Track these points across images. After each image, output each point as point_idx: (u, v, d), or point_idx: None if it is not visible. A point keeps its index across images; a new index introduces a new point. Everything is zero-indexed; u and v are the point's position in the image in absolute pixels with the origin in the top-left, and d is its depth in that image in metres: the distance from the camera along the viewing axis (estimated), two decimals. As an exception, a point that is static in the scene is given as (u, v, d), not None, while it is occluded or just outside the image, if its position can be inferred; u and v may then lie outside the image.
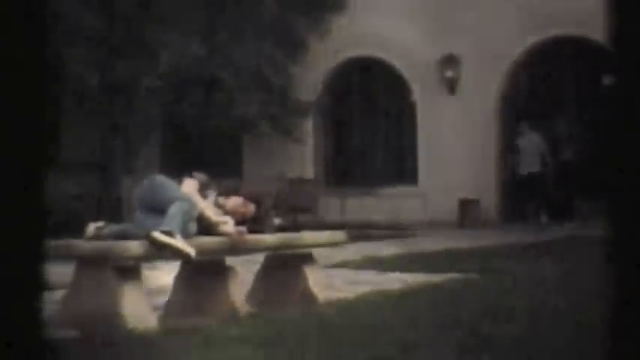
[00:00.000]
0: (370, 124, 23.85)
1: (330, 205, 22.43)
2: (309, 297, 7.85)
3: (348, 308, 7.42)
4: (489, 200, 21.45)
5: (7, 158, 1.59)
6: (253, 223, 7.48)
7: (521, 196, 20.50)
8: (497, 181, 21.76)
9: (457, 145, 21.88)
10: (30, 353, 1.63)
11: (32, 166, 1.62)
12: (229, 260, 7.46)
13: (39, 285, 1.64)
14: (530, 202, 20.56)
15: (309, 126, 23.29)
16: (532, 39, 21.31)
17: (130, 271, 6.41)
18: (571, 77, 21.40)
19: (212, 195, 7.41)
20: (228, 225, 7.14)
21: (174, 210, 6.61)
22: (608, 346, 1.69)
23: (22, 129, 1.61)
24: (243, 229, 7.20)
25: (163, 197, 6.77)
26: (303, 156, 23.39)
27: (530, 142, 20.38)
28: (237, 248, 7.19)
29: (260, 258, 8.16)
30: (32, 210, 1.62)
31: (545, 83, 21.82)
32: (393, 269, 10.97)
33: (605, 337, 1.70)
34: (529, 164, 20.21)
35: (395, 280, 9.73)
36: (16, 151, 1.60)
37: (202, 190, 7.27)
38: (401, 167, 23.28)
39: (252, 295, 7.84)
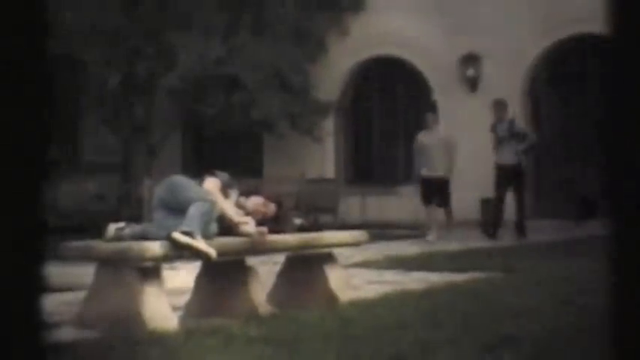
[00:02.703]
0: (390, 123, 23.80)
1: (351, 205, 22.38)
2: (330, 297, 7.82)
3: (369, 308, 7.39)
4: (514, 199, 21.32)
5: (7, 158, 1.57)
6: (274, 223, 7.46)
7: (499, 187, 16.82)
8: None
9: (478, 144, 21.78)
10: (30, 355, 1.61)
11: (32, 165, 1.60)
12: (250, 260, 7.44)
13: (39, 286, 1.63)
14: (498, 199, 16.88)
15: (329, 125, 23.27)
16: (554, 36, 21.21)
17: (150, 271, 6.41)
18: (593, 75, 21.28)
19: (234, 195, 7.39)
20: (249, 225, 7.12)
21: (194, 210, 6.59)
22: (615, 344, 1.67)
23: (21, 128, 1.60)
24: (264, 229, 7.18)
25: (183, 197, 6.75)
26: (324, 156, 23.37)
27: (506, 130, 16.83)
28: (258, 248, 7.17)
29: (280, 258, 8.15)
30: (32, 210, 1.60)
31: (567, 81, 21.72)
32: (414, 269, 10.94)
33: (610, 335, 1.68)
34: (504, 154, 16.74)
35: (416, 280, 9.69)
36: (15, 151, 1.58)
37: (224, 190, 7.25)
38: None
39: (274, 295, 7.82)
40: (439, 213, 17.25)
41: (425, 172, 17.00)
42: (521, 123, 17.22)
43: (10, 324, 1.58)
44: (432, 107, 19.63)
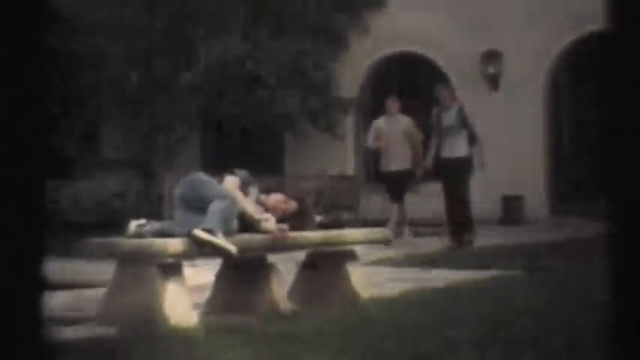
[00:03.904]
0: (411, 119, 23.74)
1: (372, 202, 22.33)
2: (351, 294, 7.80)
3: (390, 306, 7.36)
4: (537, 196, 21.27)
5: (7, 156, 1.55)
6: (295, 221, 7.44)
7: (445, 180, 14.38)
8: (546, 177, 21.58)
9: (500, 141, 21.71)
10: (31, 354, 1.59)
11: (32, 164, 1.58)
12: (270, 258, 7.43)
13: (40, 285, 1.61)
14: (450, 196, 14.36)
15: (350, 122, 23.22)
16: (576, 33, 21.12)
17: (171, 268, 6.39)
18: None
19: (254, 192, 7.38)
20: (270, 222, 7.10)
21: (215, 208, 6.58)
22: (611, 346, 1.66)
23: (21, 127, 1.57)
24: (284, 226, 7.16)
25: (204, 195, 6.74)
26: (344, 153, 23.33)
27: (454, 118, 14.30)
28: (278, 246, 7.15)
29: (301, 255, 8.12)
30: (33, 208, 1.58)
31: (589, 78, 21.61)
32: (435, 266, 10.90)
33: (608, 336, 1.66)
34: (452, 146, 14.18)
35: (437, 278, 9.64)
36: (16, 150, 1.56)
37: (244, 187, 7.24)
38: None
39: (294, 293, 7.80)
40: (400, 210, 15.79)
41: (382, 166, 15.42)
42: (469, 111, 14.64)
43: (10, 322, 1.56)
44: (399, 92, 17.21)
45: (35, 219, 1.58)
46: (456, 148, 14.05)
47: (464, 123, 14.11)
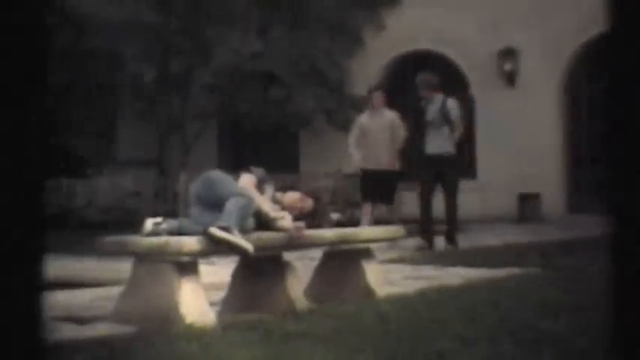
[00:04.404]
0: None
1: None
2: (367, 292, 7.79)
3: (406, 303, 7.33)
4: (553, 194, 21.22)
5: (6, 154, 1.54)
6: (311, 219, 7.43)
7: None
8: (563, 175, 21.52)
9: (516, 139, 21.69)
10: (29, 354, 1.58)
11: (32, 161, 1.56)
12: (286, 255, 7.42)
13: (38, 285, 1.59)
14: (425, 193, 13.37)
15: (365, 120, 23.20)
16: (593, 30, 21.04)
17: (187, 266, 6.39)
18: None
19: (270, 190, 7.37)
20: (286, 220, 7.09)
21: (231, 205, 6.56)
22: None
23: (20, 125, 1.56)
24: (301, 224, 7.15)
25: (220, 192, 6.73)
26: (360, 151, 23.30)
27: (438, 111, 13.34)
28: (294, 244, 7.14)
29: (317, 253, 8.11)
30: (31, 207, 1.57)
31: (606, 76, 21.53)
32: (451, 264, 10.87)
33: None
34: (435, 141, 13.15)
35: (453, 275, 9.63)
36: (14, 148, 1.55)
37: (260, 185, 7.23)
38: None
39: (311, 291, 7.79)
40: (382, 211, 14.61)
41: (364, 163, 13.87)
42: (453, 103, 13.47)
43: (8, 323, 1.55)
44: (379, 87, 16.11)
45: (34, 217, 1.57)
46: (443, 143, 13.12)
47: (446, 117, 13.17)
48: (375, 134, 13.83)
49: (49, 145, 1.59)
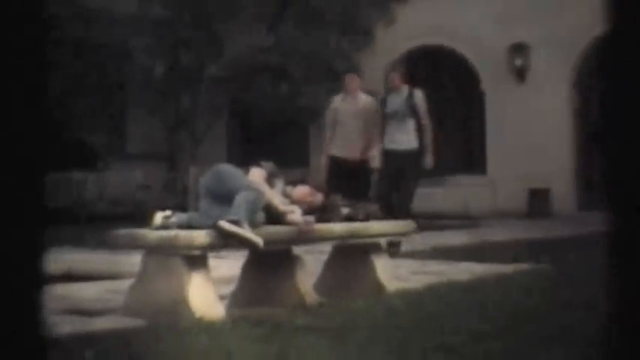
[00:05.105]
0: (437, 113, 23.67)
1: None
2: (377, 287, 7.78)
3: (416, 298, 7.33)
4: (563, 189, 21.19)
5: (6, 152, 1.54)
6: (321, 213, 7.43)
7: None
8: (573, 170, 21.48)
9: (527, 134, 21.66)
10: (30, 350, 1.59)
11: (32, 158, 1.57)
12: (296, 249, 7.42)
13: (39, 280, 1.60)
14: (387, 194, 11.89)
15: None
16: (604, 26, 20.96)
17: (197, 260, 6.39)
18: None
19: (280, 184, 7.37)
20: (296, 214, 7.09)
21: (240, 199, 6.56)
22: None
23: (20, 122, 1.56)
24: (310, 218, 7.15)
25: (230, 186, 6.72)
26: (370, 145, 23.28)
27: (403, 103, 11.92)
28: (304, 238, 7.14)
29: (326, 247, 8.11)
30: (31, 202, 1.57)
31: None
32: (460, 259, 10.87)
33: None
34: (397, 135, 11.80)
35: (463, 271, 9.62)
36: (15, 144, 1.55)
37: (270, 179, 7.23)
38: (469, 156, 23.09)
39: (320, 285, 7.79)
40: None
41: (336, 150, 11.92)
42: (421, 95, 12.01)
43: (9, 318, 1.56)
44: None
45: (35, 213, 1.57)
46: (406, 138, 11.80)
47: (412, 109, 11.77)
48: (346, 119, 11.93)
49: (61, 139, 1.59)
